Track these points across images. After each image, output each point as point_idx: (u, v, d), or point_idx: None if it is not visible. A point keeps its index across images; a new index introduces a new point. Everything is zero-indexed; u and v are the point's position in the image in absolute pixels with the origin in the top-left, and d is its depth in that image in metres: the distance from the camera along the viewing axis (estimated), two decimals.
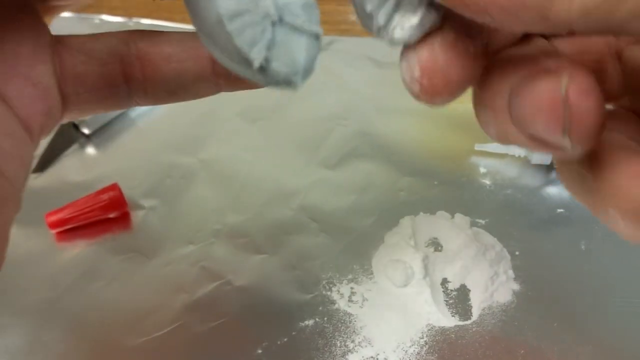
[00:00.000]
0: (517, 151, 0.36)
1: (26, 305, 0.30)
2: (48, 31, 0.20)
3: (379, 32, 0.14)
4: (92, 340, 0.29)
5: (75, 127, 0.39)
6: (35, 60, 0.19)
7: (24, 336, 0.29)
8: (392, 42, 0.14)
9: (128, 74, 0.21)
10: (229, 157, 0.38)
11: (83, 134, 0.39)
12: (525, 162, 0.36)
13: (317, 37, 0.13)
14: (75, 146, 0.39)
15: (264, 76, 0.13)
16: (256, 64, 0.13)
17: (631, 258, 0.31)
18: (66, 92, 0.20)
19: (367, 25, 0.14)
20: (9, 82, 0.18)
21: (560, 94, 0.12)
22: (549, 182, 0.36)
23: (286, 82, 0.13)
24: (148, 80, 0.21)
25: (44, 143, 0.36)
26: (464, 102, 0.42)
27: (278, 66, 0.13)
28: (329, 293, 0.30)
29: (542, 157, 0.35)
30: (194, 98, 0.22)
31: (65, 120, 0.21)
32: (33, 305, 0.30)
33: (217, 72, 0.21)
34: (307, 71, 0.13)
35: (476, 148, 0.36)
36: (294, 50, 0.13)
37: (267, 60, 0.13)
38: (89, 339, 0.29)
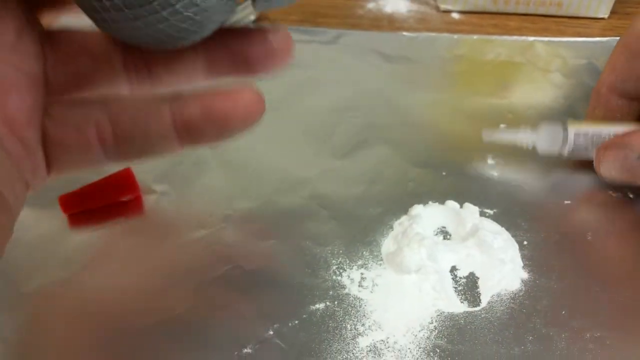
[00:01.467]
0: (525, 140, 0.36)
1: (38, 286, 0.30)
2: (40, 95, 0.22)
3: None
4: (104, 322, 0.29)
5: None
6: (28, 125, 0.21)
7: (34, 317, 0.29)
8: None
9: (102, 138, 0.23)
10: (240, 146, 0.38)
11: (81, 31, 0.38)
12: (533, 152, 0.36)
13: None
14: None
15: None
16: None
17: (636, 249, 0.32)
18: (49, 156, 0.22)
19: None
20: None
21: None
22: (557, 173, 0.36)
23: None
24: (119, 142, 0.23)
25: None
26: (472, 96, 0.42)
27: None
28: (339, 278, 0.30)
29: (550, 148, 0.35)
30: (161, 155, 0.23)
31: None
32: (44, 286, 0.30)
33: (179, 129, 0.22)
34: None
35: (483, 135, 0.36)
36: None
37: None
38: (100, 321, 0.29)
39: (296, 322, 0.28)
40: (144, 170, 0.35)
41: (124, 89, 0.24)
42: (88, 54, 0.24)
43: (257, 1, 0.21)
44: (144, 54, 0.24)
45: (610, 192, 0.35)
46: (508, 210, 0.34)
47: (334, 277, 0.30)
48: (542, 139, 0.35)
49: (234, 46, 0.23)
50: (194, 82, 0.24)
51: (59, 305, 0.30)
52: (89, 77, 0.24)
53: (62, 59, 0.23)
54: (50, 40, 0.23)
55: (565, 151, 0.35)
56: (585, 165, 0.36)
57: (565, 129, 0.35)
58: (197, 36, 0.21)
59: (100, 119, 0.23)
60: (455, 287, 0.30)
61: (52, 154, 0.22)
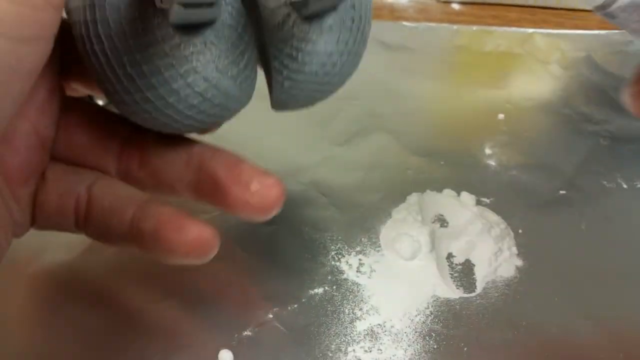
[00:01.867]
0: None
1: (42, 269, 0.31)
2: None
3: None
4: (108, 304, 0.29)
5: (90, 98, 0.40)
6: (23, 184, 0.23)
7: (39, 300, 0.29)
8: None
9: (77, 211, 0.24)
10: (240, 133, 0.38)
11: (97, 104, 0.40)
12: (529, 141, 0.36)
13: None
14: None
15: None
16: None
17: (629, 238, 0.32)
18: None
19: None
20: None
21: None
22: (553, 163, 0.37)
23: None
24: (88, 222, 0.24)
25: None
26: (471, 86, 0.43)
27: None
28: (337, 264, 0.31)
29: None
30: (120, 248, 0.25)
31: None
32: (49, 269, 0.31)
33: (133, 235, 0.23)
34: None
35: None
36: None
37: None
38: (104, 304, 0.30)
39: (295, 305, 0.29)
40: None
41: (109, 173, 0.25)
42: (92, 132, 0.25)
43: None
44: (142, 152, 0.25)
45: (604, 182, 0.36)
46: (504, 199, 0.34)
47: (333, 262, 0.31)
48: None
49: (219, 182, 0.23)
50: (177, 197, 0.25)
51: (62, 288, 0.30)
52: (86, 154, 0.25)
53: (70, 129, 0.24)
54: (66, 107, 0.24)
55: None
56: (582, 156, 0.36)
57: None
58: (207, 117, 0.21)
59: (81, 194, 0.24)
60: (452, 274, 0.31)
61: (34, 211, 0.24)
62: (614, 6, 0.22)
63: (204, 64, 0.19)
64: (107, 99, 0.22)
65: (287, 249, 0.31)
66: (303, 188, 0.35)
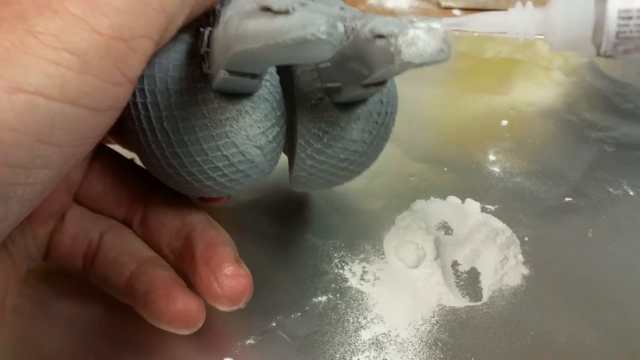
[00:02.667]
0: (523, 26, 0.17)
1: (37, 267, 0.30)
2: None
3: None
4: (108, 307, 0.29)
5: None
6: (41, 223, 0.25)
7: (34, 298, 0.29)
8: None
9: (87, 255, 0.26)
10: None
11: (119, 154, 0.39)
12: (535, 146, 0.36)
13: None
14: None
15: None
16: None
17: (637, 245, 0.32)
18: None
19: None
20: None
21: None
22: (558, 169, 0.36)
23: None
24: (93, 268, 0.26)
25: None
26: (474, 92, 0.42)
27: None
28: (341, 271, 0.30)
29: (571, 37, 0.17)
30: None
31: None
32: (44, 266, 0.30)
33: (129, 291, 0.24)
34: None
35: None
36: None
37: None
38: (104, 306, 0.29)
39: (299, 314, 0.28)
40: None
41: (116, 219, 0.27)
42: (109, 182, 0.26)
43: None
44: (145, 211, 0.26)
45: (610, 189, 0.35)
46: (509, 206, 0.34)
47: (336, 270, 0.30)
48: (558, 22, 0.16)
49: (194, 258, 0.24)
50: (164, 258, 0.26)
51: (60, 285, 0.29)
52: (99, 201, 0.26)
53: (90, 175, 0.26)
54: (97, 154, 0.26)
55: (604, 44, 0.17)
56: (586, 162, 0.36)
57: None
58: (228, 182, 0.22)
59: (94, 240, 0.25)
60: (457, 282, 0.30)
61: (48, 249, 0.25)
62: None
63: (237, 130, 0.20)
64: (136, 150, 0.23)
65: (290, 257, 0.31)
66: (305, 195, 0.34)
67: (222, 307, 0.23)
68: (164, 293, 0.23)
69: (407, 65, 0.16)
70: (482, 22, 0.15)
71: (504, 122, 0.40)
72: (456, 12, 0.51)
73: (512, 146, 0.38)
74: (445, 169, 0.36)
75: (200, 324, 0.24)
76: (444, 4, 0.51)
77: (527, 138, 0.39)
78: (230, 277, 0.23)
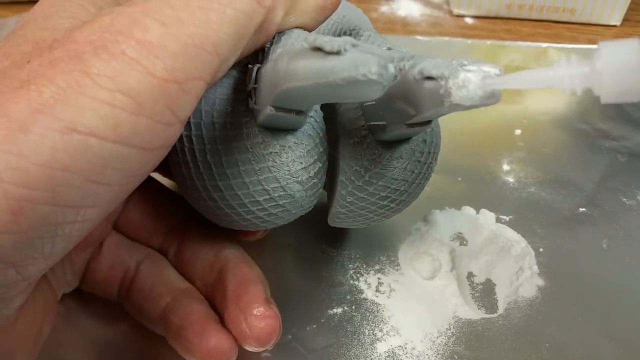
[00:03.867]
0: (569, 80, 0.15)
1: None
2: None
3: None
4: (117, 320, 0.29)
5: None
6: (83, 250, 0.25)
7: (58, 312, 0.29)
8: None
9: (122, 284, 0.26)
10: None
11: (159, 182, 0.40)
12: (549, 157, 0.36)
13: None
14: None
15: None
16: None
17: None
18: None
19: None
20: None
21: None
22: (573, 179, 0.36)
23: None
24: (129, 296, 0.26)
25: None
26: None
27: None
28: (356, 283, 0.30)
29: (622, 88, 0.15)
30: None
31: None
32: None
33: (163, 322, 0.25)
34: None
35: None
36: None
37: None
38: (113, 319, 0.29)
39: (314, 326, 0.28)
40: None
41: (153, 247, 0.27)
42: (146, 211, 0.27)
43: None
44: (181, 242, 0.26)
45: (624, 199, 0.35)
46: (524, 217, 0.34)
47: (351, 281, 0.30)
48: (607, 74, 0.14)
49: (225, 294, 0.24)
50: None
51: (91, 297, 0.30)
52: (136, 230, 0.27)
53: (129, 204, 0.26)
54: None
55: None
56: (600, 172, 0.36)
57: None
58: (267, 217, 0.22)
59: (130, 269, 0.26)
60: (473, 294, 0.30)
61: (84, 276, 0.26)
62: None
63: (279, 165, 0.21)
64: (178, 181, 0.23)
65: (304, 268, 0.31)
66: (320, 205, 0.34)
67: (250, 348, 0.23)
68: (198, 329, 0.23)
69: (457, 108, 0.16)
70: (529, 79, 0.15)
71: (518, 132, 0.39)
72: (468, 20, 0.51)
73: (526, 156, 0.38)
74: (459, 178, 0.36)
75: None
76: (455, 12, 0.51)
77: (540, 147, 0.38)
78: (259, 318, 0.23)
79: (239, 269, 0.25)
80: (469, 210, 0.34)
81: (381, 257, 0.31)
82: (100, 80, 0.15)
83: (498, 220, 0.33)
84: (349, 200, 0.24)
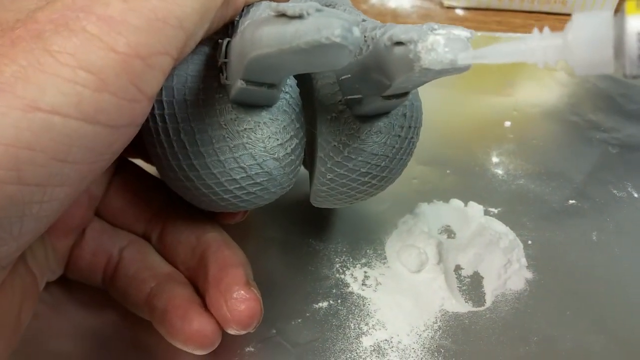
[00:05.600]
0: (542, 52, 0.16)
1: None
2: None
3: None
4: (109, 315, 0.28)
5: None
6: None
7: (46, 302, 0.28)
8: None
9: (106, 270, 0.26)
10: None
11: (140, 168, 0.39)
12: (538, 148, 0.36)
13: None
14: None
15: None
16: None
17: None
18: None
19: None
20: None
21: None
22: (561, 171, 0.36)
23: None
24: (113, 282, 0.26)
25: None
26: (477, 93, 0.41)
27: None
28: (342, 276, 0.30)
29: (593, 59, 0.15)
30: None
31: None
32: None
33: (148, 306, 0.24)
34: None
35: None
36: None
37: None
38: (105, 312, 0.29)
39: (299, 320, 0.28)
40: None
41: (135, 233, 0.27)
42: (127, 197, 0.26)
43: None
44: (163, 227, 0.26)
45: (615, 191, 0.35)
46: (513, 209, 0.33)
47: (337, 275, 0.30)
48: (577, 47, 0.15)
49: (207, 278, 0.24)
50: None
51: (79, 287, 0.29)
52: (118, 216, 0.26)
53: (110, 190, 0.26)
54: (119, 169, 0.26)
55: (627, 66, 0.15)
56: (591, 164, 0.35)
57: (622, 22, 0.14)
58: (246, 196, 0.22)
59: (114, 255, 0.26)
60: (460, 287, 0.30)
61: (68, 263, 0.26)
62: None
63: (254, 142, 0.20)
64: (154, 163, 0.23)
65: (290, 262, 0.30)
66: (307, 198, 0.34)
67: (232, 331, 0.23)
68: (181, 313, 0.23)
69: (427, 73, 0.15)
70: (500, 52, 0.15)
71: (507, 124, 0.39)
72: (459, 11, 0.50)
73: (516, 148, 0.37)
74: (448, 171, 0.36)
75: (215, 344, 0.23)
76: (446, 3, 0.51)
77: (530, 139, 0.38)
78: (239, 301, 0.23)
79: (220, 252, 0.24)
80: (457, 202, 0.34)
81: (368, 251, 0.31)
82: (61, 57, 0.14)
83: (487, 212, 0.33)
84: (329, 177, 0.23)
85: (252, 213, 0.33)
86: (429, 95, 0.41)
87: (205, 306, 0.24)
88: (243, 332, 0.23)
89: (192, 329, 0.23)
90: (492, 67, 0.45)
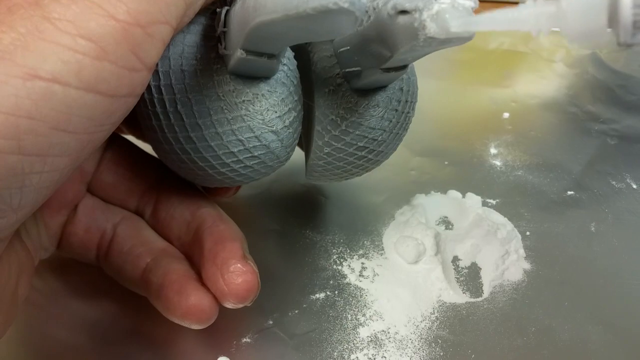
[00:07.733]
0: (534, 19, 0.15)
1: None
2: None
3: None
4: (107, 308, 0.28)
5: None
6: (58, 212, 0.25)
7: (43, 290, 0.28)
8: None
9: (100, 246, 0.26)
10: None
11: (132, 143, 0.39)
12: (536, 139, 0.36)
13: None
14: None
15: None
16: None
17: (639, 240, 0.32)
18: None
19: None
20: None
21: None
22: (560, 162, 0.36)
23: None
24: (107, 259, 0.25)
25: None
26: (476, 85, 0.41)
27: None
28: (339, 267, 0.30)
29: (586, 26, 0.15)
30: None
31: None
32: (48, 259, 0.30)
33: (144, 282, 0.24)
34: None
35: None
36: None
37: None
38: (103, 305, 0.29)
39: (296, 311, 0.28)
40: None
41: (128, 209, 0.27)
42: (120, 173, 0.26)
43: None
44: (156, 202, 0.26)
45: (613, 182, 0.35)
46: (511, 200, 0.33)
47: (335, 266, 0.30)
48: (572, 13, 0.14)
49: (202, 253, 0.24)
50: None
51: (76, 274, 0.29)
52: (110, 192, 0.26)
53: (102, 165, 0.26)
54: (110, 143, 0.26)
55: (621, 34, 0.14)
56: (589, 155, 0.35)
57: None
58: (243, 169, 0.22)
59: (107, 231, 0.25)
60: (457, 278, 0.30)
61: (60, 240, 0.25)
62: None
63: (252, 114, 0.20)
64: (149, 136, 0.22)
65: (287, 253, 0.30)
66: (304, 190, 0.34)
67: (229, 305, 0.23)
68: (177, 287, 0.23)
69: (432, 42, 0.15)
70: (492, 20, 0.14)
71: (506, 115, 0.39)
72: None
73: (514, 139, 0.37)
74: (446, 162, 0.36)
75: (213, 319, 0.23)
76: None
77: (529, 131, 0.38)
78: (236, 275, 0.22)
79: (215, 227, 0.24)
80: (455, 194, 0.33)
81: (365, 242, 0.31)
82: (61, 24, 0.14)
83: (484, 204, 0.33)
84: (326, 151, 0.23)
85: (249, 204, 0.33)
86: (427, 87, 0.41)
87: (201, 281, 0.24)
88: (240, 306, 0.23)
89: (188, 303, 0.23)
90: (491, 58, 0.45)
